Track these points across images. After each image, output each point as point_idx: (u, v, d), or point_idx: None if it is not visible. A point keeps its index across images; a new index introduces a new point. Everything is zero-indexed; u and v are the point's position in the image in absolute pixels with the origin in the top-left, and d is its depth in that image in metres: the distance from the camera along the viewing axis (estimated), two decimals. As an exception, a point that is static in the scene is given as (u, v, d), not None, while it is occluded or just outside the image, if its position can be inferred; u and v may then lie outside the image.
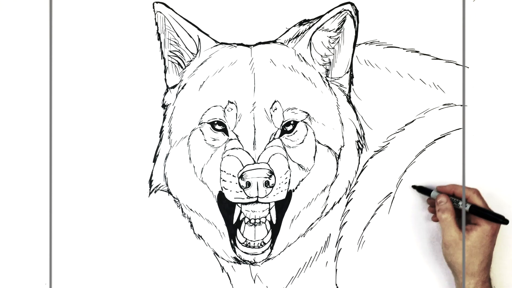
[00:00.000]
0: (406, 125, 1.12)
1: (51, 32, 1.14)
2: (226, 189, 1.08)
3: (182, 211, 1.13)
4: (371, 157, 1.12)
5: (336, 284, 1.12)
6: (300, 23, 1.12)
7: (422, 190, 1.10)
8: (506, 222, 1.01)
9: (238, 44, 1.12)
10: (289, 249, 1.12)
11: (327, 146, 1.11)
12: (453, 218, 1.03)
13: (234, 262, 1.13)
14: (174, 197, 1.13)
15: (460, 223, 1.03)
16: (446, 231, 1.02)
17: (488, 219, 1.02)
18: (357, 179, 1.12)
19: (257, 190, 1.06)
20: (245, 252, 1.11)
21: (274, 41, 1.12)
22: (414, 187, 1.11)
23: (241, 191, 1.06)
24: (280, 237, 1.11)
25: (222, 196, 1.09)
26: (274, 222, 1.11)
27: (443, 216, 1.03)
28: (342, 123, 1.11)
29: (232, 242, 1.11)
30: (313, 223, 1.12)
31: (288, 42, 1.12)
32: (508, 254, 1.11)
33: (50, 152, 1.14)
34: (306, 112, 1.10)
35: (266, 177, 1.05)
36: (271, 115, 1.09)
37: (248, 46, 1.12)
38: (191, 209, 1.12)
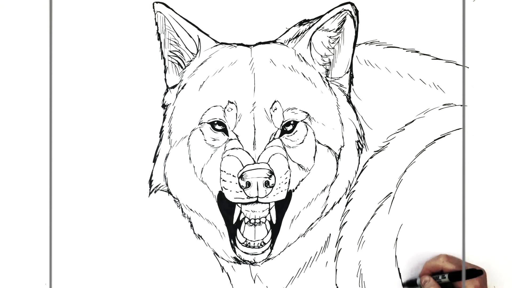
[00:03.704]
0: (406, 125, 1.12)
1: (51, 32, 1.14)
2: (226, 189, 1.08)
3: (182, 211, 1.13)
4: (371, 157, 1.12)
5: (336, 284, 1.12)
6: (300, 23, 1.12)
7: (410, 284, 1.10)
8: (480, 272, 1.02)
9: (238, 44, 1.12)
10: (289, 249, 1.12)
11: (327, 146, 1.11)
12: None
13: (234, 262, 1.13)
14: (174, 197, 1.13)
15: None
16: None
17: (467, 278, 1.02)
18: (357, 179, 1.12)
19: (257, 190, 1.06)
20: (245, 252, 1.11)
21: (274, 41, 1.12)
22: (404, 285, 1.11)
23: (241, 191, 1.06)
24: (280, 237, 1.11)
25: (222, 196, 1.09)
26: (274, 222, 1.11)
27: None
28: (342, 123, 1.11)
29: (232, 242, 1.11)
30: (313, 223, 1.12)
31: (288, 42, 1.12)
32: None
33: (50, 152, 1.14)
34: (306, 112, 1.10)
35: (266, 177, 1.05)
36: (271, 115, 1.09)
37: (248, 46, 1.12)
38: (191, 209, 1.12)
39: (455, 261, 1.06)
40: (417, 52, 1.13)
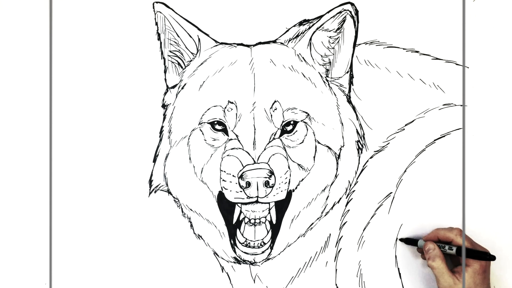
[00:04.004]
0: (406, 125, 1.12)
1: (51, 32, 1.14)
2: (226, 189, 1.08)
3: (182, 211, 1.13)
4: (371, 157, 1.12)
5: (336, 284, 1.12)
6: (300, 23, 1.12)
7: (409, 241, 1.10)
8: (492, 258, 1.02)
9: (238, 44, 1.12)
10: (289, 249, 1.12)
11: (327, 146, 1.11)
12: (444, 264, 1.03)
13: (234, 262, 1.13)
14: (174, 197, 1.13)
15: (451, 268, 1.04)
16: (440, 278, 1.03)
17: (475, 258, 1.02)
18: (357, 179, 1.12)
19: (257, 190, 1.06)
20: (245, 252, 1.11)
21: (274, 41, 1.12)
22: (401, 240, 1.11)
23: (241, 191, 1.06)
24: (280, 237, 1.11)
25: (222, 196, 1.09)
26: (274, 222, 1.11)
27: (434, 264, 1.03)
28: (342, 123, 1.11)
29: (232, 242, 1.11)
30: (313, 223, 1.12)
31: (288, 42, 1.12)
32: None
33: (50, 152, 1.14)
34: (306, 112, 1.10)
35: (266, 177, 1.05)
36: (271, 115, 1.09)
37: (248, 46, 1.12)
38: (191, 209, 1.12)
39: (468, 239, 1.05)
40: (417, 52, 1.13)
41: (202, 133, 1.11)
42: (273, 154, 1.08)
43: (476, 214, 1.12)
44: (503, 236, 1.12)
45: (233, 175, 1.07)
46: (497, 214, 1.12)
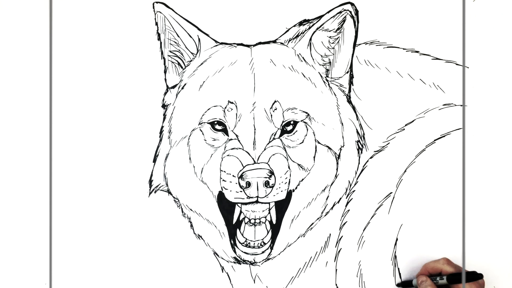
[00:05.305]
0: (406, 125, 1.12)
1: (51, 32, 1.14)
2: (226, 189, 1.08)
3: (182, 211, 1.13)
4: (371, 157, 1.12)
5: (336, 284, 1.13)
6: (300, 23, 1.12)
7: (405, 284, 1.10)
8: (480, 276, 1.03)
9: (238, 44, 1.13)
10: (289, 249, 1.12)
11: (327, 146, 1.11)
12: None
13: (234, 262, 1.13)
14: (174, 197, 1.13)
15: None
16: None
17: (467, 281, 1.02)
18: (357, 179, 1.12)
19: (257, 190, 1.06)
20: (245, 252, 1.11)
21: (274, 41, 1.12)
22: (398, 285, 1.11)
23: (241, 191, 1.06)
24: (280, 237, 1.11)
25: (222, 196, 1.09)
26: (274, 222, 1.11)
27: None
28: (342, 123, 1.11)
29: (232, 242, 1.11)
30: (313, 223, 1.12)
31: (288, 42, 1.12)
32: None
33: (50, 152, 1.14)
34: (306, 112, 1.10)
35: (266, 177, 1.05)
36: (271, 115, 1.09)
37: (248, 46, 1.12)
38: (191, 209, 1.12)
39: (455, 265, 1.06)
40: (417, 52, 1.13)
41: (202, 133, 1.11)
42: (273, 154, 1.08)
43: (476, 214, 1.12)
44: (504, 237, 1.12)
45: (233, 175, 1.07)
46: (497, 215, 1.12)
